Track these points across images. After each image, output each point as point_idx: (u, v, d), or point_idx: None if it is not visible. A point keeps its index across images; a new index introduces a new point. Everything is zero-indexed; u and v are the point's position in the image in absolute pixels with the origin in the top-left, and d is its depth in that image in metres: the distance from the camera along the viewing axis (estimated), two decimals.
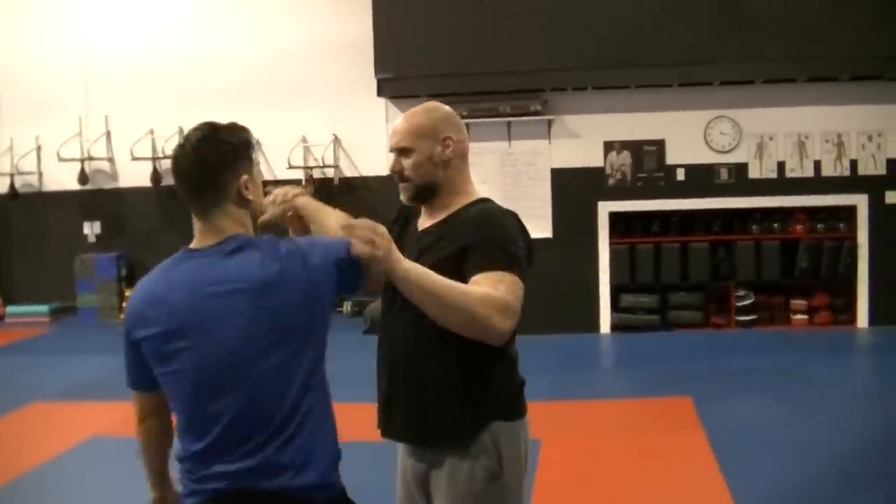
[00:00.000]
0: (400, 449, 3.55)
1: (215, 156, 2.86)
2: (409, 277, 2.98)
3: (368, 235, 2.85)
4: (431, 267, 3.10)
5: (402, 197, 3.46)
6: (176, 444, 2.99)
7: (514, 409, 3.39)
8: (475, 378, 3.28)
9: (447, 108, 3.50)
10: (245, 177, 2.88)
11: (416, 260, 3.13)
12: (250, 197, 2.90)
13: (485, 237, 3.21)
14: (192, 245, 2.91)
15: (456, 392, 3.27)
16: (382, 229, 2.90)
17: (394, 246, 2.93)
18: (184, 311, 2.80)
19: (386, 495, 3.73)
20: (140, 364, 2.92)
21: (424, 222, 3.48)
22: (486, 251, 3.17)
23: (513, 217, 3.35)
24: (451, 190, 3.41)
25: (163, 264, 2.94)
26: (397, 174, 3.41)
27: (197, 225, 2.90)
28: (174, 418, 3.01)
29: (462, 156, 3.43)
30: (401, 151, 3.39)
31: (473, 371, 3.26)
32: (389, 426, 3.44)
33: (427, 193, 3.41)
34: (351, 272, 2.90)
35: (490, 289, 3.07)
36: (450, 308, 3.04)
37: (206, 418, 2.82)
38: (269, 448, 2.80)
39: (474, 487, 3.27)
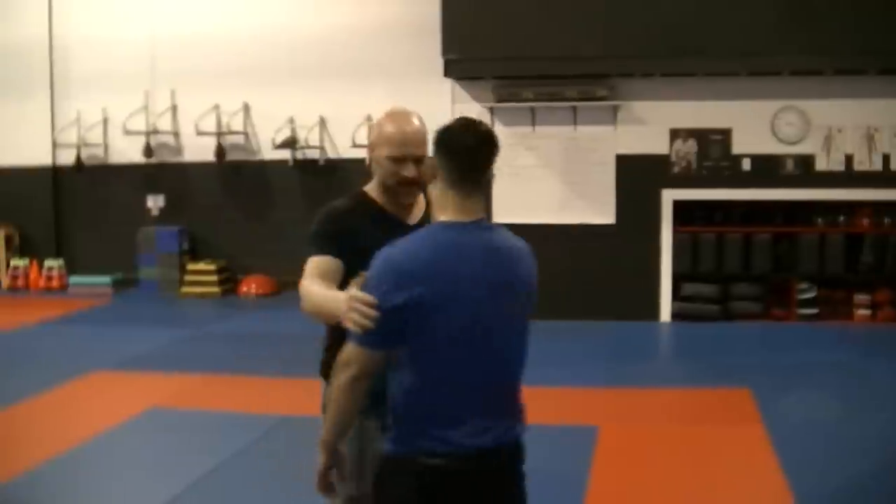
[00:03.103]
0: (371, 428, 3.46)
1: (496, 143, 3.05)
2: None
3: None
4: None
5: (409, 199, 3.61)
6: (401, 401, 3.01)
7: None
8: None
9: None
10: (492, 168, 3.06)
11: None
12: (491, 187, 3.15)
13: None
14: (450, 219, 3.02)
15: None
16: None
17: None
18: (448, 274, 2.93)
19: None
20: (390, 323, 2.89)
21: (407, 215, 3.64)
22: None
23: None
24: None
25: (418, 233, 3.04)
26: (412, 180, 3.52)
27: (456, 201, 3.02)
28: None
29: None
30: (417, 160, 3.51)
31: None
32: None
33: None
34: None
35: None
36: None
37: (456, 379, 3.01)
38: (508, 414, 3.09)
39: None
